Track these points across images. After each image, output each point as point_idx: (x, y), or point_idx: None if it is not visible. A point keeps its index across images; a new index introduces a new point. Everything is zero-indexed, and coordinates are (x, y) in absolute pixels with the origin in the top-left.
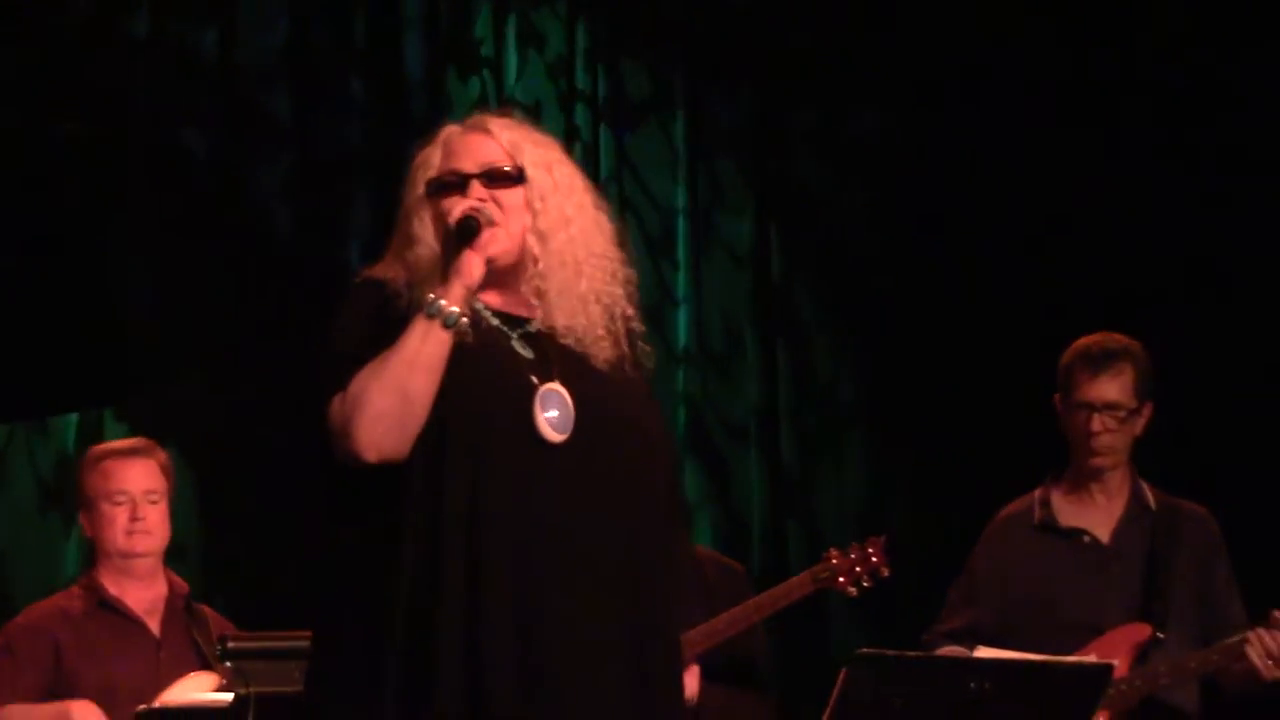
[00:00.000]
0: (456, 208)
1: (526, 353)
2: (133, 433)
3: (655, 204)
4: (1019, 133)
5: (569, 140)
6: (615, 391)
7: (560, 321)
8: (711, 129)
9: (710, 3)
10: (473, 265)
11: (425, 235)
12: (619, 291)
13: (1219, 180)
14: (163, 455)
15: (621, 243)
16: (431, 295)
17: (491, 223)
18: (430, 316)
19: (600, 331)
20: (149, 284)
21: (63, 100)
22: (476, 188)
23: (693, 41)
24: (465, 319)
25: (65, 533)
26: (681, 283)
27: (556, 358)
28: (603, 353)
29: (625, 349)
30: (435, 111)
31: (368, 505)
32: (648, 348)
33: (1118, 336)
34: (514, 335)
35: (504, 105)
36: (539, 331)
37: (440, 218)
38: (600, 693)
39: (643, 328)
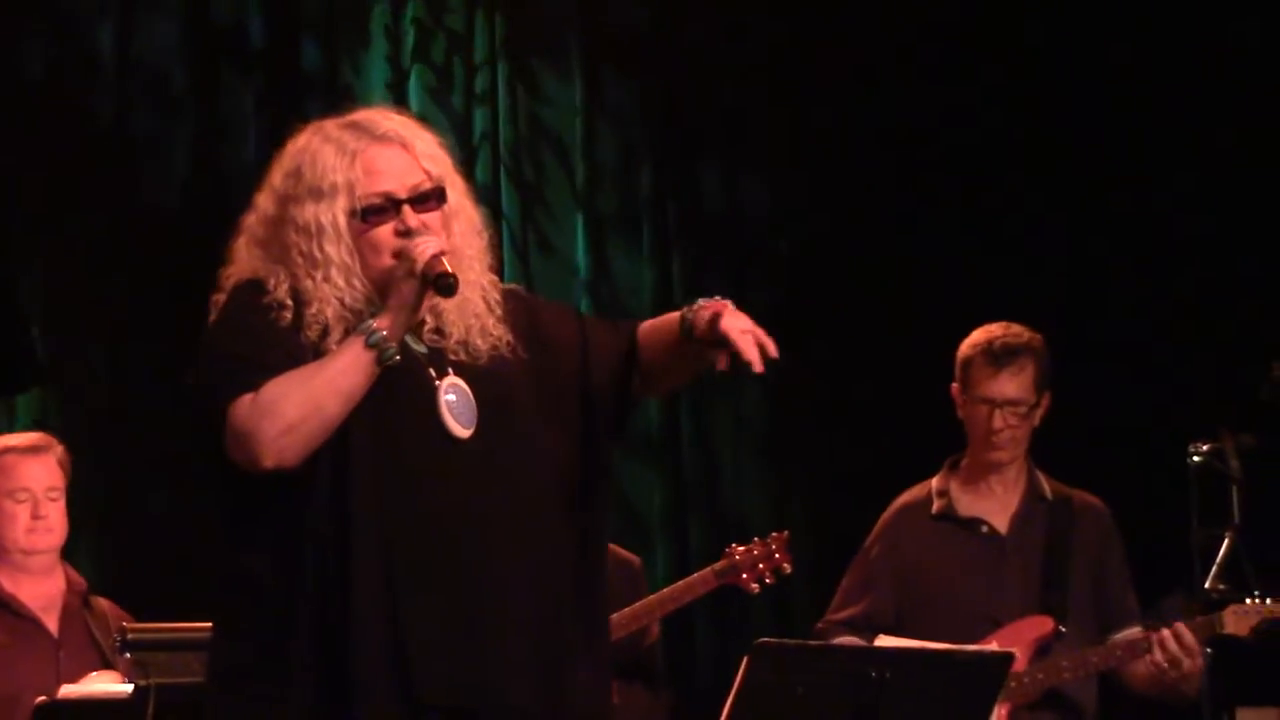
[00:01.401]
0: (425, 250)
1: (419, 347)
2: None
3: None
4: (905, 126)
5: None
6: (512, 381)
7: (454, 335)
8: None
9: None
10: (421, 308)
11: (342, 259)
12: (492, 288)
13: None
14: (60, 450)
15: (482, 230)
16: (373, 325)
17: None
18: (369, 347)
19: (489, 329)
20: (40, 270)
21: None
22: (409, 213)
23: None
24: (399, 357)
25: None
26: (582, 268)
27: (445, 350)
28: (490, 346)
29: (518, 347)
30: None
31: (268, 501)
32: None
33: (1018, 329)
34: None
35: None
36: (429, 333)
37: (375, 248)
38: (519, 676)
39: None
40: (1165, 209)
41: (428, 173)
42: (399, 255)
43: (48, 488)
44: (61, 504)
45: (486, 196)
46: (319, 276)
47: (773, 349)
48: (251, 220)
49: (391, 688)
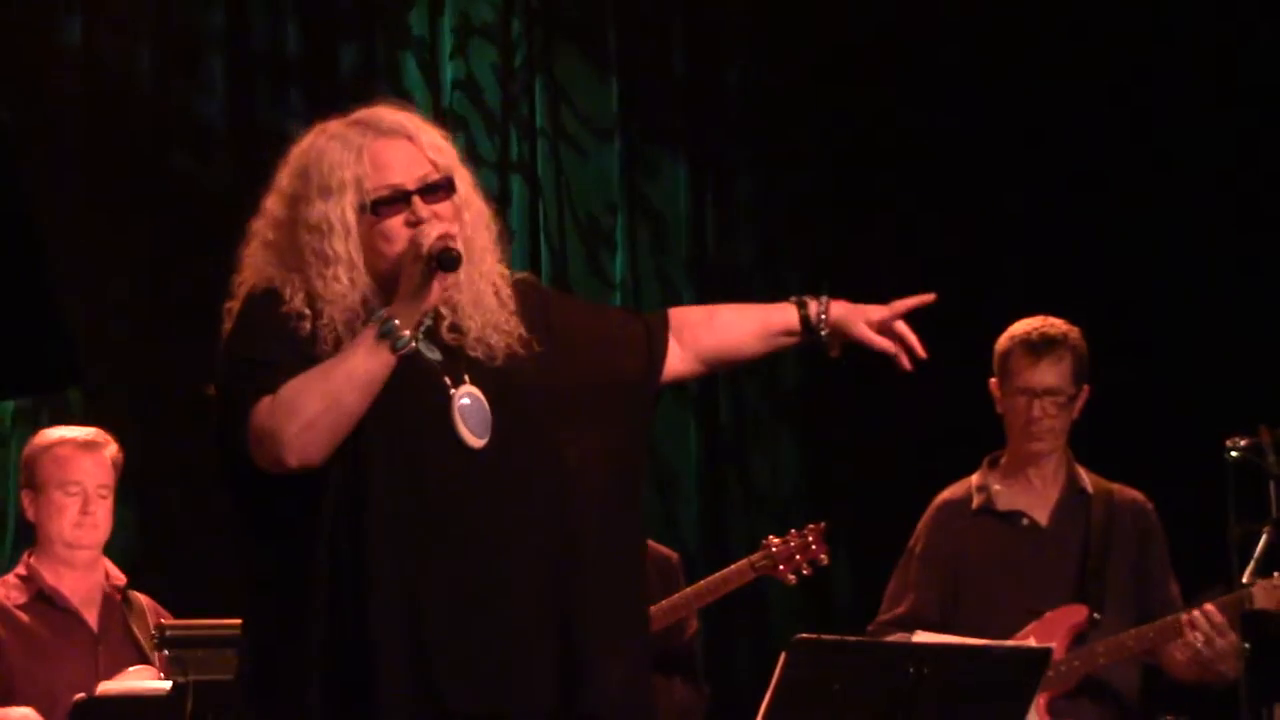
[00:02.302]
0: (428, 232)
1: (434, 354)
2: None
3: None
4: (953, 120)
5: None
6: (525, 380)
7: (472, 332)
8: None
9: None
10: (435, 294)
11: (351, 255)
12: (504, 284)
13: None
14: (115, 448)
15: (492, 224)
16: (385, 315)
17: (462, 259)
18: (383, 336)
19: (502, 325)
20: (78, 270)
21: None
22: (419, 204)
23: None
24: (413, 345)
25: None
26: (619, 264)
27: (464, 358)
28: (505, 344)
29: (526, 334)
30: None
31: (283, 508)
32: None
33: (1056, 321)
34: (419, 337)
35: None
36: (446, 330)
37: (388, 238)
38: (545, 678)
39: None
40: (1202, 204)
41: (434, 164)
42: (409, 244)
43: (99, 484)
44: (110, 502)
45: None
46: (329, 275)
47: (920, 349)
48: (261, 225)
49: (416, 697)
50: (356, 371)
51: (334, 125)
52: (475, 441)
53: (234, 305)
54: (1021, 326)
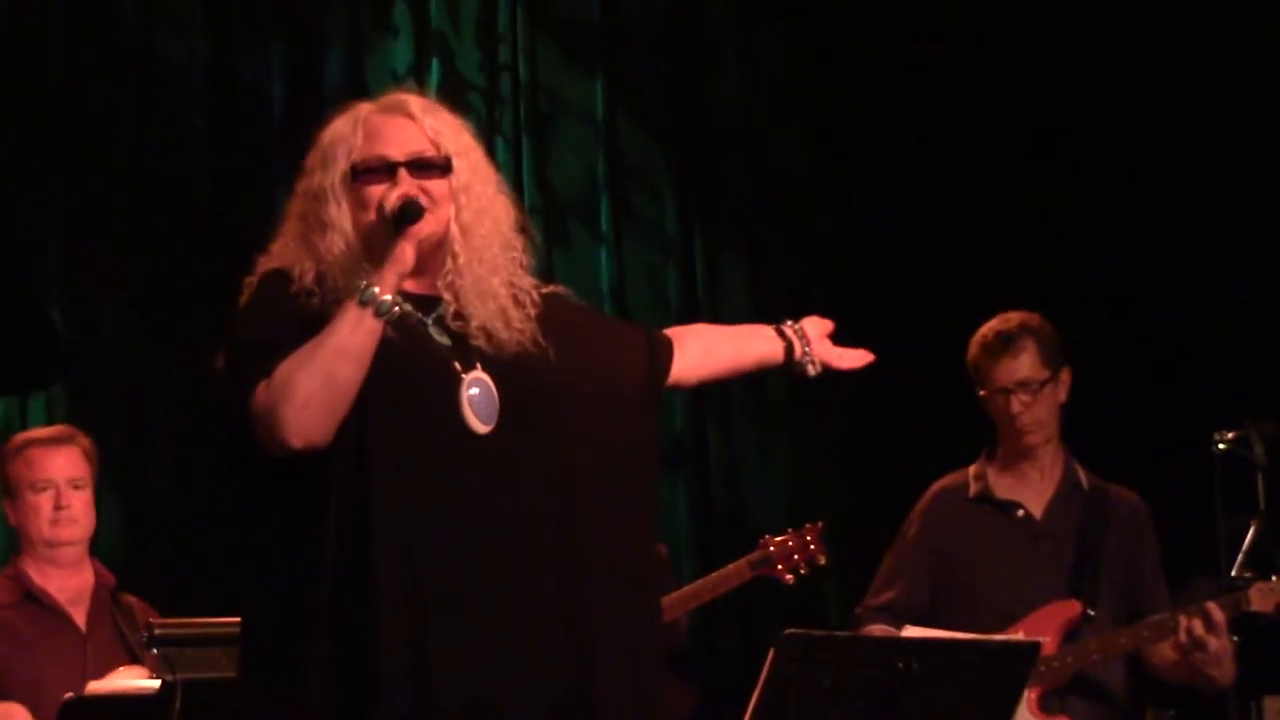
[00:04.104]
0: (392, 194)
1: (444, 340)
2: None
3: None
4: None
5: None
6: (536, 377)
7: (473, 317)
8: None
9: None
10: (408, 254)
11: (341, 222)
12: (525, 283)
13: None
14: (86, 441)
15: (523, 228)
16: (364, 283)
17: (425, 211)
18: (364, 304)
19: (514, 322)
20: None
21: None
22: (405, 177)
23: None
24: (397, 308)
25: None
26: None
27: (471, 343)
28: (515, 339)
29: (541, 337)
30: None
31: (287, 494)
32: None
33: (1011, 315)
34: (429, 321)
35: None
36: (452, 318)
37: (365, 205)
38: (543, 668)
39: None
40: (1192, 199)
41: (434, 144)
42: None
43: (70, 478)
44: (87, 495)
45: None
46: (327, 242)
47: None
48: (290, 203)
49: (415, 689)
50: (344, 343)
51: (356, 104)
52: (481, 427)
53: (251, 280)
54: (981, 331)
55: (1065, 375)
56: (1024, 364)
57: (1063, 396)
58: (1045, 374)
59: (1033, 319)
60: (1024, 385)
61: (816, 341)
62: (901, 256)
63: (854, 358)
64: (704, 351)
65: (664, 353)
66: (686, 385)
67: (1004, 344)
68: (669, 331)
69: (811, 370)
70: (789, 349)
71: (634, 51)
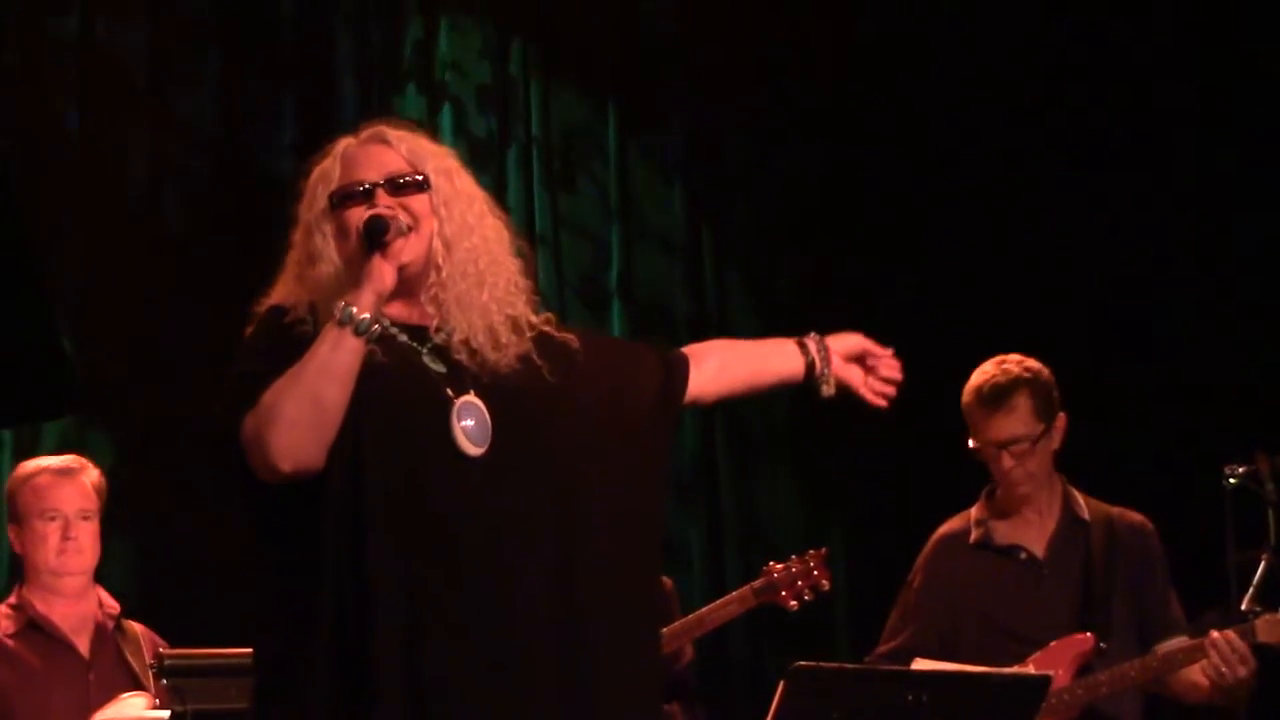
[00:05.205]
0: (363, 216)
1: (438, 367)
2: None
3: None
4: (948, 148)
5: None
6: (531, 399)
7: (458, 333)
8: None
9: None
10: (384, 271)
11: (328, 251)
12: (520, 300)
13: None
14: (95, 473)
15: (519, 251)
16: (342, 302)
17: (404, 230)
18: (342, 324)
19: (503, 341)
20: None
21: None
22: (382, 196)
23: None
24: (376, 326)
25: None
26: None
27: (465, 369)
28: (507, 361)
29: (536, 358)
30: None
31: (285, 523)
32: (572, 338)
33: (1009, 364)
34: (424, 350)
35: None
36: (443, 342)
37: (344, 230)
38: (542, 694)
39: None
40: (1201, 230)
41: (410, 164)
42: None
43: (79, 509)
44: (94, 526)
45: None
46: (316, 273)
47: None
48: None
49: (410, 706)
50: (325, 363)
51: (335, 142)
52: (473, 449)
53: (252, 318)
54: (976, 378)
55: (1059, 423)
56: (1015, 421)
57: (1056, 444)
58: (1038, 429)
59: (1030, 369)
60: (1015, 442)
61: (839, 360)
62: (915, 272)
63: (877, 388)
64: (721, 367)
65: (679, 370)
66: (706, 402)
67: (997, 399)
68: (688, 349)
69: (825, 390)
70: (810, 366)
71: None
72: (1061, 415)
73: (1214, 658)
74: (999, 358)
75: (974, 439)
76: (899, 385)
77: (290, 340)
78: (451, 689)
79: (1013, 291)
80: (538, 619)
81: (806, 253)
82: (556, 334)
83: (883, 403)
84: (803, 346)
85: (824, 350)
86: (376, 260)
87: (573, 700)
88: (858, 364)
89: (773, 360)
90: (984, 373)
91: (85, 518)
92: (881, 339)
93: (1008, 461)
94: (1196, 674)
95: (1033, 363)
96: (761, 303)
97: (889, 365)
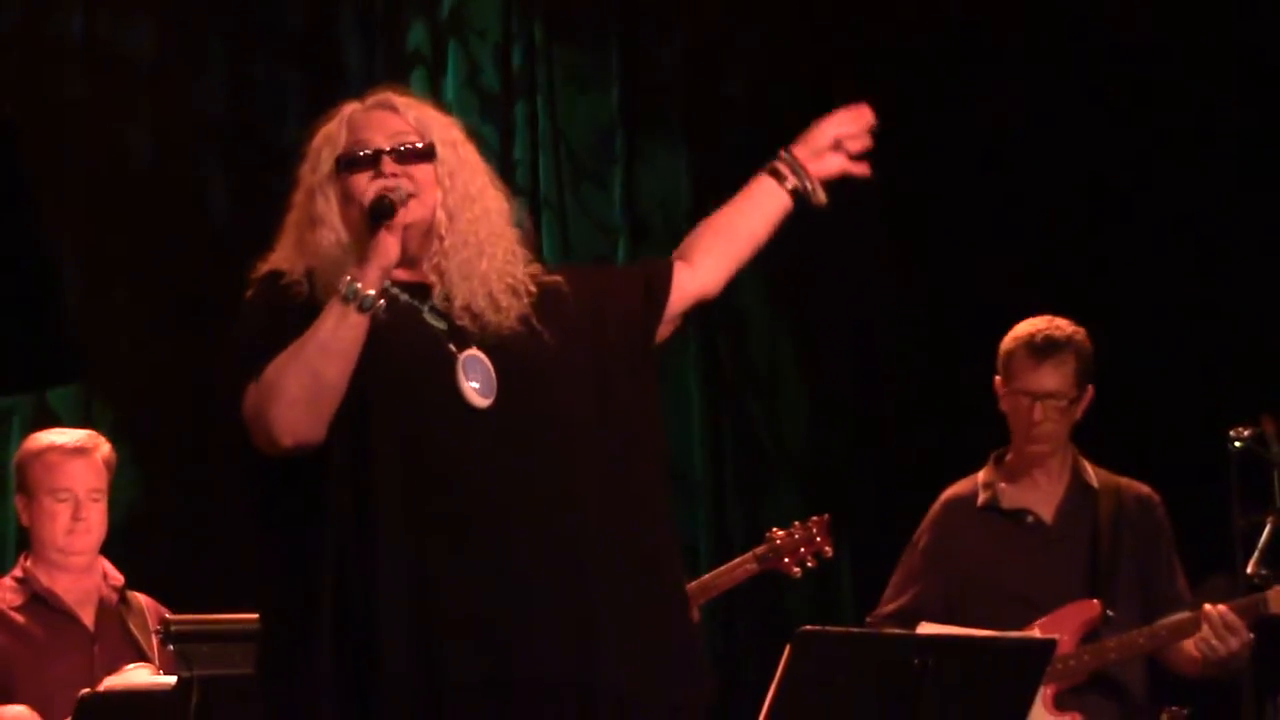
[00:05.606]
0: (370, 188)
1: (439, 324)
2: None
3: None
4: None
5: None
6: (531, 355)
7: (458, 300)
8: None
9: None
10: (389, 247)
11: (330, 216)
12: (519, 268)
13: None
14: (107, 449)
15: (518, 222)
16: (347, 278)
17: (406, 199)
18: (346, 300)
19: (503, 305)
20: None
21: None
22: (388, 163)
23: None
24: (381, 302)
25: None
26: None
27: (467, 330)
28: (508, 324)
29: (535, 320)
30: None
31: (291, 488)
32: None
33: (1062, 323)
34: (424, 308)
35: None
36: (442, 302)
37: (350, 197)
38: (552, 645)
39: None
40: (1207, 197)
41: (416, 132)
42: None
43: (90, 489)
44: (103, 504)
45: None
46: (317, 237)
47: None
48: (288, 213)
49: (419, 667)
50: (329, 340)
51: (340, 106)
52: (481, 401)
53: (250, 283)
54: (1026, 327)
55: (1089, 395)
56: (1059, 377)
57: (1079, 414)
58: (1074, 392)
59: (1080, 333)
60: (1053, 397)
61: (812, 164)
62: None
63: (857, 152)
64: (709, 245)
65: (660, 279)
66: (717, 287)
67: (1049, 350)
68: (677, 249)
69: (816, 201)
70: (794, 192)
71: None
72: (1091, 388)
73: (1205, 630)
74: (1046, 315)
75: (1009, 385)
76: (875, 133)
77: (286, 309)
78: (459, 641)
79: (1021, 259)
80: (546, 570)
81: None
82: (546, 279)
83: (865, 169)
84: (778, 176)
85: (799, 168)
86: (382, 234)
87: (584, 650)
88: (832, 151)
89: (759, 208)
90: (1034, 324)
91: (95, 499)
92: (892, 313)
93: (1039, 414)
94: (1191, 647)
95: (1081, 329)
96: None
97: (860, 134)
